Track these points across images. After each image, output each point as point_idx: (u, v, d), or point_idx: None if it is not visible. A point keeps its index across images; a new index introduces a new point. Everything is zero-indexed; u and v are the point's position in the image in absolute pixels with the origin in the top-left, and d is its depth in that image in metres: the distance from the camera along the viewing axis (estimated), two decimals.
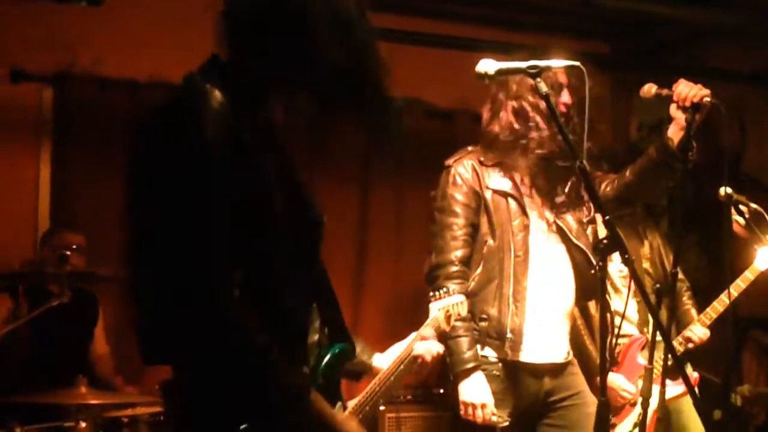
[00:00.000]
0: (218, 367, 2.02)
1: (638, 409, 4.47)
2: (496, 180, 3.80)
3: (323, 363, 2.33)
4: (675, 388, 4.54)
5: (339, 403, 2.40)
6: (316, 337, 2.32)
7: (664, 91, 3.49)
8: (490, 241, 3.76)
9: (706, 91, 3.43)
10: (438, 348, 3.23)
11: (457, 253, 3.76)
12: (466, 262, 3.77)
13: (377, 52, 2.24)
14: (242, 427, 2.04)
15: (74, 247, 5.07)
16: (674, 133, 3.54)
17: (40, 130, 5.77)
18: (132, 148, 2.11)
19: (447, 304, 3.30)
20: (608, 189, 3.79)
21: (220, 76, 2.13)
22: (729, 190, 4.51)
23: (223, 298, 1.99)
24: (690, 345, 4.64)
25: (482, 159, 3.83)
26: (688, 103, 3.42)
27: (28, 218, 5.70)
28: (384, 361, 3.03)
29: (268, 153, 2.21)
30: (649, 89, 3.44)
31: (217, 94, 2.07)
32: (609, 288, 4.56)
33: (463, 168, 3.83)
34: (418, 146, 6.55)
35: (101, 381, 4.98)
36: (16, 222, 5.66)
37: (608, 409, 2.72)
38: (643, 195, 3.88)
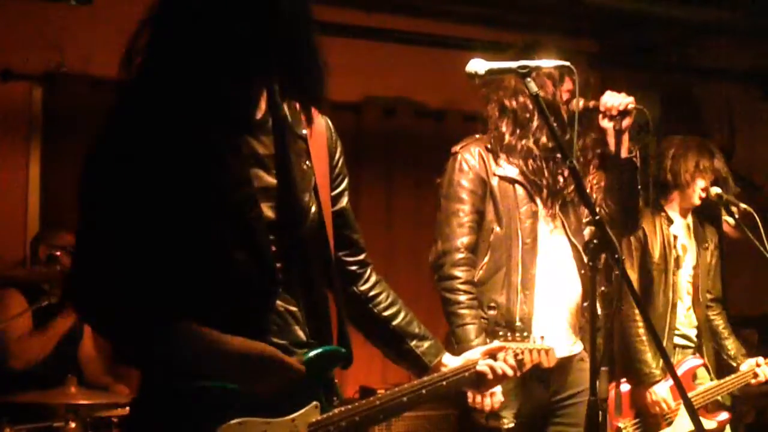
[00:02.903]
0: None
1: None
2: (503, 167, 3.79)
3: (305, 358, 2.31)
4: (710, 423, 4.53)
5: (335, 399, 2.39)
6: (286, 339, 2.30)
7: (591, 103, 3.67)
8: (497, 229, 3.74)
9: (630, 99, 3.61)
10: (506, 368, 2.79)
11: (464, 240, 3.74)
12: (473, 249, 3.75)
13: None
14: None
15: (69, 247, 5.05)
16: (613, 143, 3.65)
17: (30, 129, 5.75)
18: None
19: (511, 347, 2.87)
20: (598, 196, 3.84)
21: (175, 72, 2.16)
22: (719, 189, 4.52)
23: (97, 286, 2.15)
24: (753, 381, 4.65)
25: (489, 146, 3.82)
26: (615, 112, 3.60)
27: (18, 217, 5.68)
28: (450, 366, 2.71)
29: (251, 141, 2.27)
30: (577, 103, 3.49)
31: (143, 93, 2.16)
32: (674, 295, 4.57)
33: (469, 155, 3.81)
34: (409, 146, 6.56)
35: (91, 383, 4.97)
36: (6, 221, 5.65)
37: (597, 408, 2.72)
38: (621, 202, 3.88)
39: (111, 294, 2.14)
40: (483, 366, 2.73)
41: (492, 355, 2.77)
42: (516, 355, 2.82)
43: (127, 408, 4.47)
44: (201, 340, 2.15)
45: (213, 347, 2.15)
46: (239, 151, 2.25)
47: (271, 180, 2.30)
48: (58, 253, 4.87)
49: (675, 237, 4.61)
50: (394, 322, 2.66)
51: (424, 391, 2.59)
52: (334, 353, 2.40)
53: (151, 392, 2.24)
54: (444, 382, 2.64)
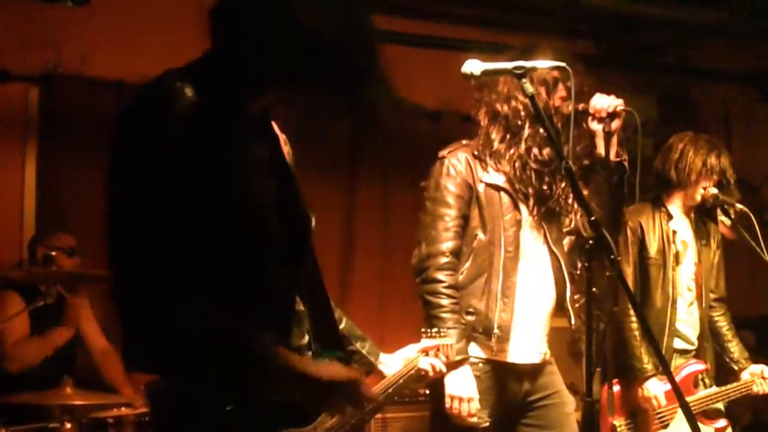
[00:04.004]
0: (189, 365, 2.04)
1: None
2: (489, 173, 3.79)
3: None
4: (707, 429, 4.49)
5: None
6: (303, 341, 2.30)
7: (581, 106, 3.61)
8: (481, 235, 3.75)
9: (619, 101, 3.57)
10: (441, 365, 3.22)
11: (449, 245, 3.74)
12: (457, 254, 3.76)
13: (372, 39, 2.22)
14: (228, 408, 2.05)
15: (66, 248, 5.04)
16: (602, 146, 3.62)
17: (27, 129, 5.75)
18: (109, 147, 2.08)
19: (438, 344, 3.26)
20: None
21: (202, 74, 2.11)
22: (715, 190, 4.51)
23: (172, 297, 1.97)
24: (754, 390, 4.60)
25: (476, 152, 3.82)
26: (604, 114, 3.56)
27: (14, 218, 5.68)
28: (389, 364, 3.00)
29: (257, 146, 2.21)
30: (568, 105, 3.48)
31: (188, 91, 2.04)
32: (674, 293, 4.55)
33: (456, 160, 3.81)
34: (405, 146, 6.56)
35: (109, 382, 4.97)
36: (2, 222, 5.65)
37: (593, 410, 2.72)
38: (607, 205, 3.88)
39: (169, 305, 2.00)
40: (425, 364, 3.10)
41: (426, 352, 3.14)
42: (439, 350, 3.22)
43: (123, 408, 4.50)
44: (287, 360, 2.12)
45: (299, 368, 2.13)
46: (253, 155, 2.21)
47: (274, 186, 2.28)
48: (54, 254, 4.87)
49: (674, 232, 4.57)
50: (341, 326, 2.75)
51: (390, 390, 2.99)
52: (338, 359, 2.42)
53: (184, 405, 2.14)
54: (401, 380, 3.02)
